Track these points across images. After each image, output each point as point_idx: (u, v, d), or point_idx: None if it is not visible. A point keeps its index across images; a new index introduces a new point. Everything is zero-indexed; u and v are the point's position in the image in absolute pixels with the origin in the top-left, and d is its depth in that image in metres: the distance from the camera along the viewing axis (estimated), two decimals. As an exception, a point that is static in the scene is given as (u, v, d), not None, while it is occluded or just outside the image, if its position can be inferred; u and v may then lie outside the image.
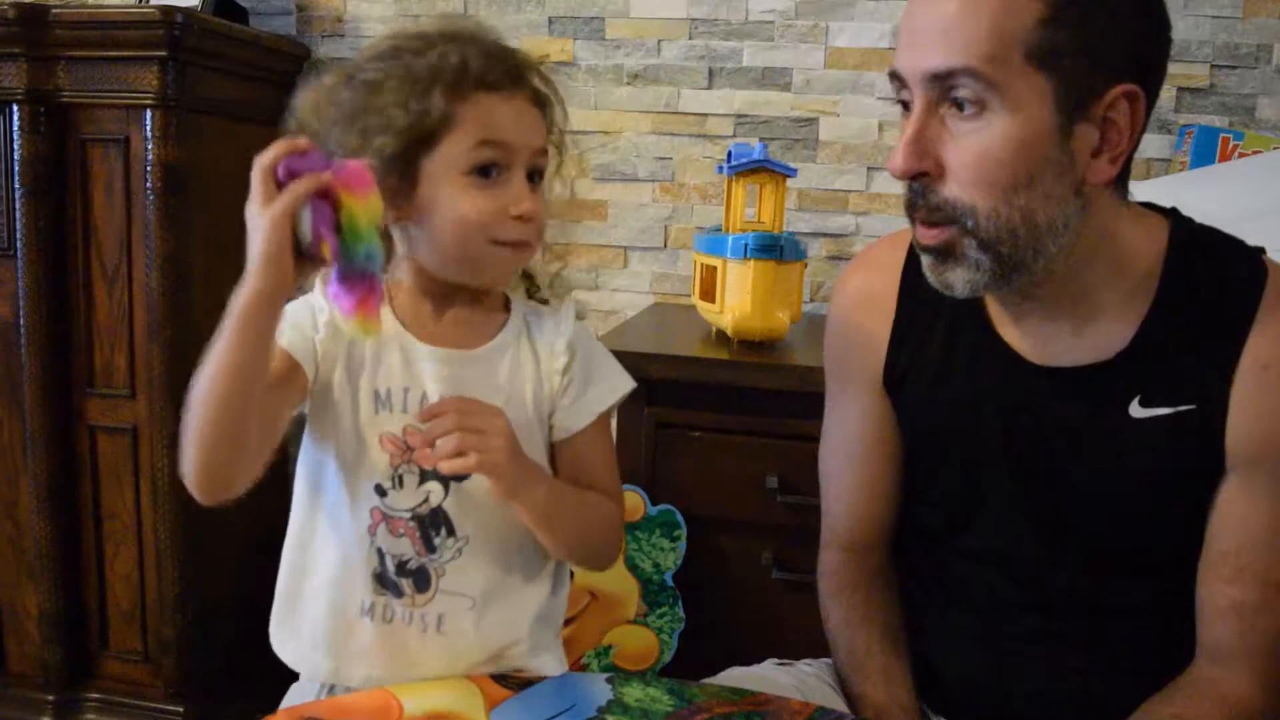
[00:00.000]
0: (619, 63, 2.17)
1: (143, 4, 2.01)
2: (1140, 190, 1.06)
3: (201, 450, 0.89)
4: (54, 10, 1.78)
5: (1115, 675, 1.04)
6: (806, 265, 1.78)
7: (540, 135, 0.99)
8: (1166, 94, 1.93)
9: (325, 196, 0.85)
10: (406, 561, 1.00)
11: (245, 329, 0.85)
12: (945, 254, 0.96)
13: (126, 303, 1.87)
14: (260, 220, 0.84)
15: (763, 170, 1.68)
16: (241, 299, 0.85)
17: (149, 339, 1.86)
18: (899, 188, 2.13)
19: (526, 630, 1.05)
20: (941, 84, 0.90)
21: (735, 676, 1.15)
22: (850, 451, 1.17)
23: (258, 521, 2.12)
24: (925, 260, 0.99)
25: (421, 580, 1.00)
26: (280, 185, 0.85)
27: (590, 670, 1.59)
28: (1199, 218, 1.04)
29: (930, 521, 1.14)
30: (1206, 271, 0.99)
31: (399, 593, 1.00)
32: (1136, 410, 0.98)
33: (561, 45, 2.18)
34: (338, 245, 0.86)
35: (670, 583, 1.62)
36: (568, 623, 1.62)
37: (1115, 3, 0.88)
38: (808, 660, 1.22)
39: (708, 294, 1.71)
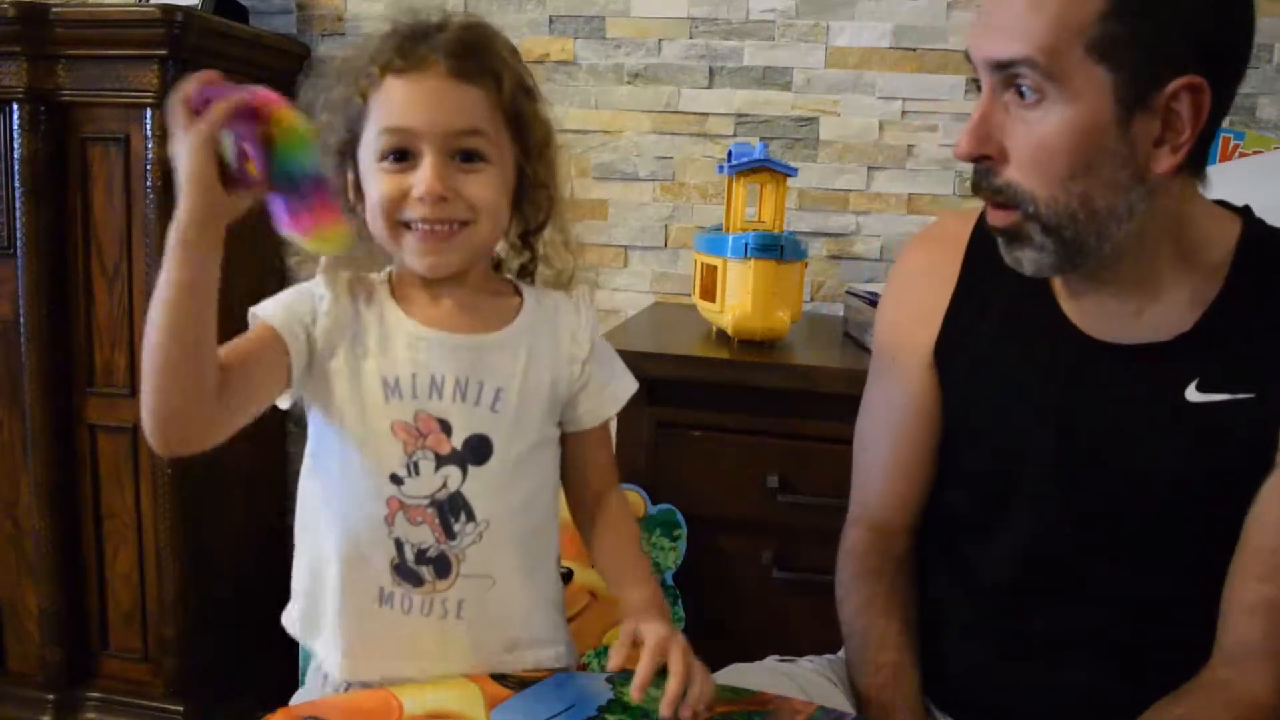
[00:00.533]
0: (619, 62, 2.17)
1: (143, 3, 2.01)
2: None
3: (155, 393, 0.85)
4: (54, 9, 1.78)
5: (1130, 674, 1.03)
6: (807, 265, 1.78)
7: (462, 114, 0.95)
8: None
9: (247, 119, 0.85)
10: (426, 549, 1.00)
11: (183, 257, 0.84)
12: (1013, 236, 0.99)
13: (126, 301, 1.87)
14: (182, 146, 0.83)
15: (763, 170, 1.68)
16: (174, 227, 0.84)
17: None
18: (900, 187, 2.14)
19: (541, 615, 1.07)
20: (1005, 72, 0.93)
21: (736, 673, 1.15)
22: (891, 423, 1.17)
23: (258, 520, 2.14)
24: (999, 240, 1.01)
25: (442, 566, 1.00)
26: (198, 114, 0.84)
27: (590, 670, 1.59)
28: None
29: (960, 504, 1.13)
30: (1276, 268, 0.99)
31: (418, 581, 1.00)
32: (1193, 394, 0.99)
33: (562, 44, 2.18)
34: (268, 161, 0.86)
35: (670, 582, 1.62)
36: (568, 622, 1.62)
37: None
38: (810, 657, 1.22)
39: (708, 293, 1.71)
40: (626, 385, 1.12)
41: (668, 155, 2.19)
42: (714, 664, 1.17)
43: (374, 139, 0.96)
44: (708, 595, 1.64)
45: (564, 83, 2.18)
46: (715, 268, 1.68)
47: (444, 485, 0.99)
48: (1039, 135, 0.92)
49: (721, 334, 1.73)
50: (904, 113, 2.09)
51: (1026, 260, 0.99)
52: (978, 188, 0.99)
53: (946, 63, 2.05)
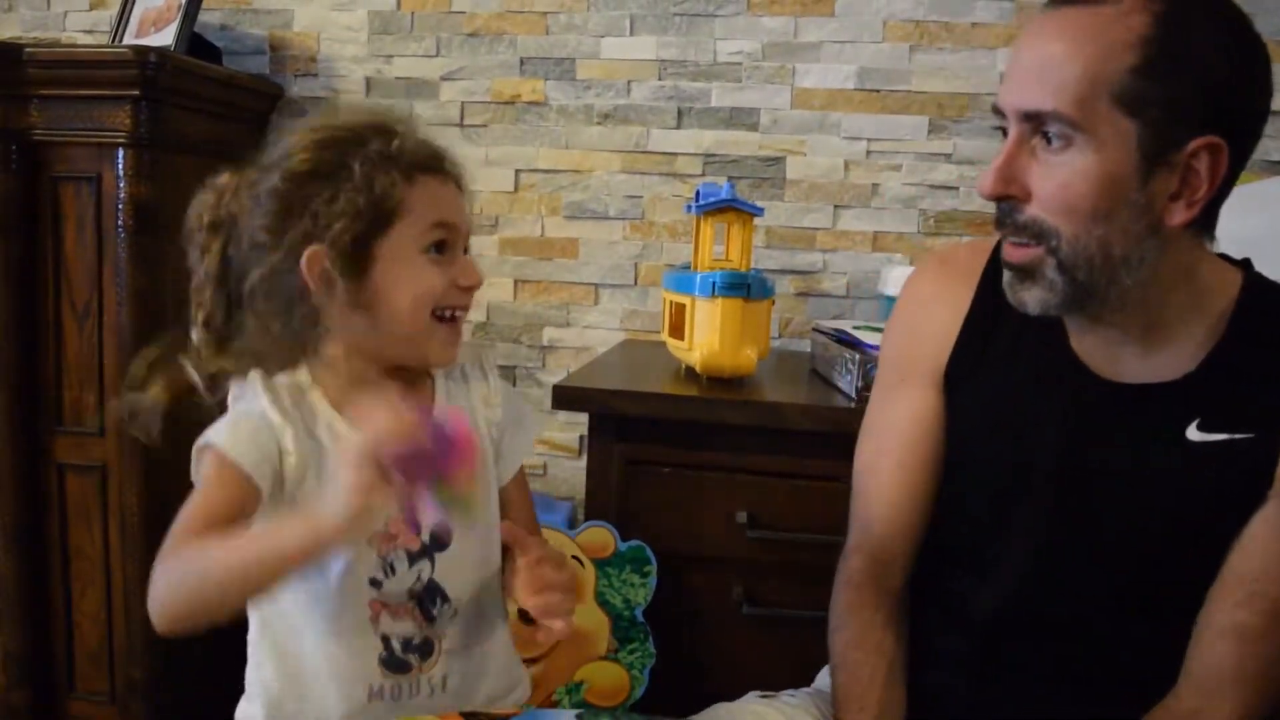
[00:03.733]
0: (589, 103, 2.20)
1: (116, 44, 2.03)
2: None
3: (184, 617, 0.86)
4: (27, 49, 1.79)
5: (1121, 708, 1.04)
6: (774, 302, 1.80)
7: (468, 218, 1.04)
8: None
9: (426, 467, 0.82)
10: (411, 639, 1.03)
11: (293, 564, 0.84)
12: (1026, 273, 1.00)
13: (96, 341, 1.87)
14: (358, 500, 0.80)
15: (730, 209, 1.71)
16: (305, 538, 0.82)
17: (119, 377, 1.85)
18: (865, 225, 2.17)
19: (505, 660, 1.12)
20: (1034, 121, 0.95)
21: (721, 713, 1.15)
22: (898, 444, 1.16)
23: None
24: (1006, 276, 1.03)
25: (426, 650, 1.04)
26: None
27: (561, 707, 1.59)
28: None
29: (953, 540, 1.14)
30: (1275, 317, 1.03)
31: (406, 669, 1.03)
32: (1194, 434, 1.01)
33: (533, 85, 2.21)
34: (435, 505, 0.83)
35: (641, 618, 1.63)
36: (539, 660, 1.62)
37: (1209, 59, 0.91)
38: (790, 691, 1.22)
39: (677, 331, 1.72)
40: (530, 432, 1.18)
41: (637, 194, 2.21)
42: (685, 700, 1.18)
43: (421, 231, 0.98)
44: (678, 631, 1.65)
45: (535, 123, 2.20)
46: (684, 306, 1.69)
47: (418, 579, 1.03)
48: (1063, 178, 0.95)
49: (690, 371, 1.74)
50: (869, 152, 2.12)
51: (1032, 300, 1.01)
52: (1001, 224, 1.01)
53: (910, 104, 2.09)
